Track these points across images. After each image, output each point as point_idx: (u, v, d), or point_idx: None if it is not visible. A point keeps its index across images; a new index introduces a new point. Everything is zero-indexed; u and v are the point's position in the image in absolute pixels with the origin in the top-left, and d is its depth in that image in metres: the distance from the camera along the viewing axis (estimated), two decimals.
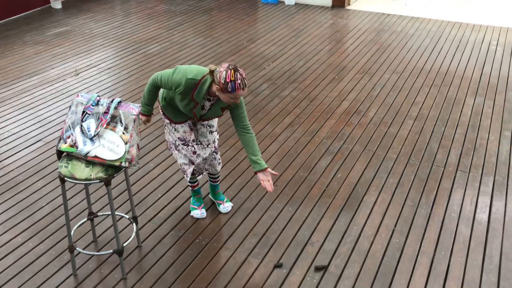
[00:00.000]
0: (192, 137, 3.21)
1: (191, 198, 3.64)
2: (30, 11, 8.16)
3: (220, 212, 3.61)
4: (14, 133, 4.65)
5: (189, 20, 7.88)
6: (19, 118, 4.91)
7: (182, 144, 3.23)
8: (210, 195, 3.73)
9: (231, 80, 2.72)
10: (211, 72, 2.85)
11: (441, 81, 5.76)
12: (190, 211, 3.61)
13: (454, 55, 6.54)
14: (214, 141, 3.31)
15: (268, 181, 2.97)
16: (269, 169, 2.98)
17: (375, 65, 6.23)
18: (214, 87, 2.85)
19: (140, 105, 2.96)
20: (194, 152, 3.25)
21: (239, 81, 2.73)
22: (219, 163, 3.44)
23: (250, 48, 6.73)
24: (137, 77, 5.83)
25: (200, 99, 2.92)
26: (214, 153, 3.36)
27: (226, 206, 3.63)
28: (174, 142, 3.27)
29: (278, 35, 7.25)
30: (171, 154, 3.59)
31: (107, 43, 6.89)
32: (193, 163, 3.30)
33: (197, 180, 3.53)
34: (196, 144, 3.23)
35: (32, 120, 4.88)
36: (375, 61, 6.33)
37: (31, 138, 4.58)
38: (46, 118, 4.92)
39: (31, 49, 6.64)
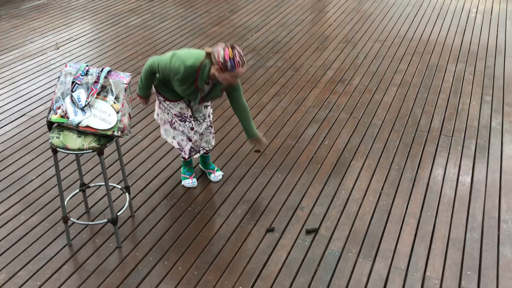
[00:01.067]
0: (189, 112, 3.20)
1: (182, 168, 3.65)
2: None
3: (211, 181, 3.65)
4: None
5: None
6: (0, 93, 4.83)
7: (180, 120, 3.22)
8: (200, 165, 3.75)
9: (230, 58, 2.73)
10: (208, 55, 2.85)
11: (423, 49, 5.83)
12: (181, 181, 3.64)
13: (435, 23, 6.60)
14: (209, 115, 3.33)
15: (260, 145, 3.25)
16: (262, 138, 3.21)
17: (358, 34, 6.26)
18: (213, 68, 2.85)
19: (138, 88, 3.03)
20: (192, 128, 3.24)
21: (238, 58, 2.74)
22: (213, 137, 3.46)
23: (232, 19, 6.68)
24: (119, 50, 5.76)
25: (202, 85, 2.96)
26: (209, 127, 3.36)
27: (216, 175, 3.66)
28: (170, 120, 3.26)
29: (260, 5, 7.20)
30: (160, 135, 3.53)
31: (86, 15, 6.76)
32: (190, 140, 3.29)
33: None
34: (194, 120, 3.23)
35: (14, 95, 4.81)
36: (357, 30, 6.36)
37: (15, 113, 4.51)
38: (28, 92, 4.84)
39: (7, 23, 6.47)
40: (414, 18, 6.76)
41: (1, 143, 4.09)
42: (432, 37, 6.14)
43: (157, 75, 3.12)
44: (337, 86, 5.00)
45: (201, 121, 3.28)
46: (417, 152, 3.99)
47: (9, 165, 3.82)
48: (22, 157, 3.91)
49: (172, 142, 3.40)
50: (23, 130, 4.26)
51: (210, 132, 3.39)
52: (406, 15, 6.87)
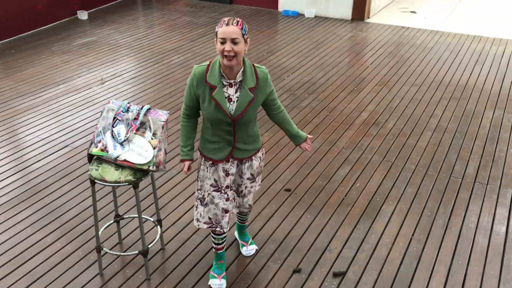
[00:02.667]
0: (227, 182, 2.86)
1: (213, 264, 3.19)
2: (58, 22, 8.44)
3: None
4: (43, 139, 4.83)
5: (210, 32, 8.05)
6: (47, 125, 5.10)
7: (215, 191, 2.87)
8: (235, 233, 3.49)
9: (219, 21, 2.54)
10: None
11: (460, 94, 5.80)
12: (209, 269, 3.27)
13: (473, 68, 6.57)
14: (239, 185, 2.96)
15: (308, 144, 2.98)
16: (308, 136, 2.97)
17: (394, 77, 6.30)
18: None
19: (181, 152, 2.84)
20: (228, 199, 2.90)
21: (225, 18, 2.50)
22: (247, 204, 3.06)
23: (270, 60, 6.87)
24: (160, 87, 6.00)
25: (216, 80, 2.60)
26: (240, 196, 3.01)
27: (249, 249, 3.36)
28: (202, 197, 2.91)
29: (298, 47, 7.38)
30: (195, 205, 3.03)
31: (131, 53, 7.09)
32: (227, 211, 2.91)
33: (224, 241, 3.09)
34: (230, 190, 2.91)
35: (59, 126, 5.06)
36: (394, 74, 6.41)
37: (59, 144, 4.75)
38: (72, 125, 5.09)
39: (58, 58, 6.87)
40: (452, 63, 6.76)
41: (45, 172, 4.30)
42: (470, 83, 6.11)
43: (189, 117, 2.85)
44: (371, 129, 5.02)
45: (234, 189, 2.95)
46: (450, 199, 3.93)
47: (50, 194, 4.00)
48: (62, 186, 4.09)
49: (199, 224, 2.98)
50: (65, 160, 4.47)
51: (242, 202, 3.04)
52: (444, 60, 6.88)
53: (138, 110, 2.90)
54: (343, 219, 3.71)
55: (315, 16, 8.91)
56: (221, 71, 2.62)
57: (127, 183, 2.80)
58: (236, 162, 2.85)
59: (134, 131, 2.87)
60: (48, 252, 3.37)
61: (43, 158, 4.51)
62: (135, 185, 2.84)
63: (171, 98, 5.69)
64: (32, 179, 4.19)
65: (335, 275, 3.19)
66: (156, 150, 2.83)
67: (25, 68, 6.52)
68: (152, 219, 3.47)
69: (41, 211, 3.78)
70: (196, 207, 2.97)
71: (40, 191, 4.03)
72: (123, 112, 2.92)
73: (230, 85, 2.65)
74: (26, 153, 4.59)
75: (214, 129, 2.73)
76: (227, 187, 2.87)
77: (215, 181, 2.86)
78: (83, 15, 8.62)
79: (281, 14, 9.06)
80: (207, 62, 2.67)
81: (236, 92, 2.65)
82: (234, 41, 2.48)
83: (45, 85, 6.03)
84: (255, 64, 2.69)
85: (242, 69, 2.63)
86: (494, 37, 7.82)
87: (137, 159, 2.82)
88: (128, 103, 2.94)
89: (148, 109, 2.91)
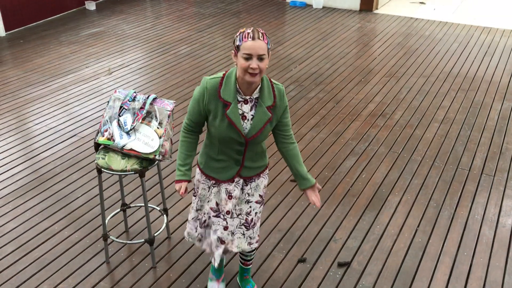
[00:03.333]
0: (228, 207, 2.54)
1: (211, 264, 2.97)
2: (66, 12, 8.46)
3: None
4: (51, 128, 4.86)
5: (218, 22, 8.04)
6: (55, 114, 5.13)
7: (214, 216, 2.57)
8: (237, 278, 3.04)
9: (240, 33, 2.24)
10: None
11: (468, 86, 5.76)
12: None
13: (482, 60, 6.52)
14: (248, 213, 2.59)
15: (316, 196, 2.56)
16: (316, 184, 2.58)
17: (402, 68, 6.26)
18: (238, 70, 2.31)
19: (177, 172, 2.50)
20: (226, 227, 2.57)
21: (248, 30, 2.22)
22: (249, 241, 2.65)
23: (277, 50, 6.85)
24: (167, 77, 6.01)
25: (231, 96, 2.32)
26: (243, 226, 2.61)
27: None
28: (198, 218, 2.66)
29: (305, 38, 7.35)
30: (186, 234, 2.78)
31: (138, 43, 7.10)
32: (223, 242, 2.59)
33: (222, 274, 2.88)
34: (231, 218, 2.57)
35: (68, 116, 5.10)
36: (402, 65, 6.37)
37: (67, 133, 4.78)
38: (80, 114, 5.13)
39: (66, 48, 6.89)
40: (461, 54, 6.71)
41: (53, 160, 4.34)
42: (479, 74, 6.06)
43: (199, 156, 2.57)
44: (378, 120, 5.01)
45: (235, 216, 2.59)
46: (457, 190, 3.92)
47: (58, 182, 4.03)
48: (70, 175, 4.13)
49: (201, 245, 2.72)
50: (73, 149, 4.51)
51: (243, 234, 2.62)
52: (453, 51, 6.82)
53: (144, 100, 2.91)
54: (349, 210, 3.71)
55: (323, 7, 8.85)
56: (238, 86, 2.34)
57: (133, 172, 2.82)
58: (241, 182, 2.52)
59: (140, 121, 2.88)
60: (55, 240, 3.41)
61: (52, 147, 4.55)
62: (141, 174, 2.86)
63: (178, 89, 5.70)
64: (40, 168, 4.23)
65: (340, 265, 3.20)
66: (162, 139, 2.85)
67: (34, 58, 6.55)
68: (158, 208, 3.50)
69: (49, 200, 3.82)
70: (188, 222, 2.68)
71: (48, 179, 4.07)
72: (129, 101, 2.93)
73: (245, 102, 2.37)
74: (35, 142, 4.63)
75: (222, 147, 2.44)
76: (227, 212, 2.54)
77: (217, 204, 2.55)
78: (91, 5, 8.63)
79: (289, 4, 9.01)
80: (220, 74, 2.37)
81: (251, 110, 2.37)
82: (260, 58, 2.22)
83: (54, 75, 6.06)
84: (272, 80, 2.41)
85: (259, 85, 2.36)
86: (503, 29, 7.74)
87: (143, 148, 2.84)
88: (135, 92, 2.96)
89: (154, 99, 2.92)
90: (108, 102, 2.96)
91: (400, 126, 4.90)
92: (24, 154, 4.44)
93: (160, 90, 5.65)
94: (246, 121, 2.38)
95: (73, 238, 3.43)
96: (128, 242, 3.20)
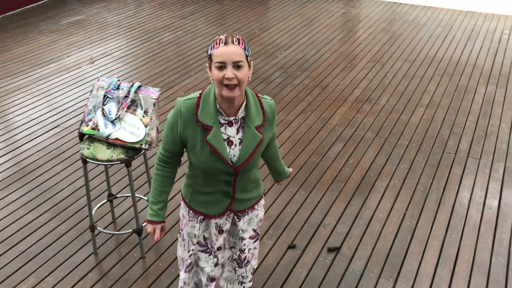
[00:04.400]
0: (220, 242, 2.22)
1: None
2: (45, 0, 8.27)
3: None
4: (33, 119, 4.76)
5: (201, 9, 7.94)
6: (37, 105, 5.02)
7: (202, 251, 2.23)
8: None
9: (212, 41, 1.90)
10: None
11: (453, 70, 5.79)
12: None
13: (466, 44, 6.55)
14: (242, 250, 2.26)
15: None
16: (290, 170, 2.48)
17: (387, 53, 6.26)
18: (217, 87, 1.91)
19: (148, 211, 2.13)
20: (216, 264, 2.25)
21: (221, 36, 1.87)
22: (243, 282, 2.34)
23: (262, 37, 6.79)
24: (151, 65, 5.92)
25: (211, 119, 1.93)
26: (235, 261, 2.30)
27: None
28: (185, 258, 2.25)
29: (290, 24, 7.30)
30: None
31: (121, 31, 6.98)
32: (213, 280, 2.26)
33: None
34: (221, 253, 2.26)
35: (50, 106, 5.00)
36: (387, 50, 6.37)
37: (49, 124, 4.69)
38: (63, 104, 5.03)
39: (46, 37, 6.74)
40: (445, 39, 6.73)
41: (36, 152, 4.25)
42: (463, 59, 6.09)
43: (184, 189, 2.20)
44: (364, 105, 5.00)
45: (227, 247, 2.28)
46: (444, 174, 3.95)
47: (42, 174, 3.96)
48: (54, 166, 4.05)
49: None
50: (56, 140, 4.42)
51: (234, 270, 2.31)
52: (437, 36, 6.84)
53: (129, 88, 2.85)
54: (337, 195, 3.71)
55: None
56: (218, 106, 1.95)
57: (119, 162, 2.77)
58: (232, 215, 2.19)
59: (125, 109, 2.83)
60: (41, 232, 3.35)
61: (34, 138, 4.46)
62: (127, 163, 2.81)
63: (162, 77, 5.63)
64: (23, 160, 4.14)
65: (330, 250, 3.21)
66: (148, 128, 2.80)
67: (13, 48, 6.40)
68: (145, 198, 3.46)
69: (33, 192, 3.75)
70: (179, 271, 2.32)
71: (31, 171, 3.99)
72: (113, 89, 2.87)
73: (229, 124, 1.97)
74: (16, 133, 4.53)
75: (208, 179, 2.06)
76: (218, 248, 2.22)
77: (205, 239, 2.21)
78: None
79: None
80: (196, 94, 1.98)
81: (237, 133, 1.99)
82: (237, 65, 1.84)
83: (34, 64, 5.93)
84: (259, 95, 2.05)
85: (244, 102, 1.98)
86: (486, 13, 7.78)
87: (129, 138, 2.78)
88: (118, 80, 2.90)
89: (139, 87, 2.86)
90: (91, 91, 2.90)
91: (386, 111, 4.90)
92: (6, 146, 4.34)
93: (144, 79, 5.57)
94: (233, 146, 1.99)
95: (59, 230, 3.37)
96: (116, 232, 3.16)
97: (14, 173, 3.97)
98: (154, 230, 2.15)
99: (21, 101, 5.10)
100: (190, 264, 2.26)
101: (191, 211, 2.18)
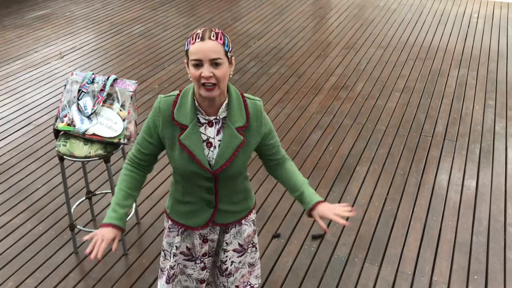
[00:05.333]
0: (205, 249, 2.06)
1: None
2: None
3: None
4: (3, 117, 4.60)
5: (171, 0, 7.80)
6: (6, 102, 4.86)
7: (187, 260, 2.08)
8: None
9: (190, 36, 1.74)
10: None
11: (425, 54, 5.85)
12: None
13: (436, 28, 6.63)
14: (223, 262, 2.09)
15: (330, 210, 1.85)
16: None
17: (360, 40, 6.28)
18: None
19: (108, 212, 1.84)
20: (204, 268, 2.10)
21: (198, 31, 1.72)
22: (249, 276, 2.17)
23: (235, 27, 6.72)
24: (122, 58, 5.79)
25: (187, 117, 1.79)
26: (217, 268, 2.16)
27: None
28: (170, 267, 2.08)
29: (262, 12, 7.25)
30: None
31: (89, 25, 6.80)
32: (203, 282, 2.14)
33: None
34: (208, 258, 2.09)
35: (20, 104, 4.83)
36: (359, 37, 6.39)
37: (21, 121, 4.54)
38: (34, 101, 4.87)
39: (11, 33, 6.52)
40: (416, 24, 6.79)
41: (8, 151, 4.11)
42: (434, 43, 6.17)
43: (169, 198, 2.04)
44: (340, 92, 5.01)
45: (212, 254, 2.13)
46: (422, 157, 3.99)
47: (15, 174, 3.83)
48: (28, 165, 3.93)
49: None
50: (29, 138, 4.28)
51: (217, 276, 2.17)
52: (408, 21, 6.90)
53: (104, 81, 2.77)
54: (318, 183, 3.71)
55: None
56: (196, 104, 1.80)
57: (97, 158, 2.70)
58: (217, 228, 2.03)
59: (101, 103, 2.75)
60: (18, 234, 3.25)
61: (5, 137, 4.31)
62: (106, 159, 2.74)
63: (135, 70, 5.51)
64: None
65: (314, 237, 3.21)
66: (126, 122, 2.73)
67: None
68: None
69: (7, 192, 3.63)
70: (160, 278, 2.15)
71: (4, 171, 3.86)
72: (88, 83, 2.78)
73: (210, 124, 1.82)
74: None
75: (187, 185, 1.91)
76: (204, 254, 2.06)
77: (188, 249, 2.05)
78: None
79: None
80: (177, 92, 1.85)
81: (218, 134, 1.83)
82: (214, 63, 1.69)
83: (0, 61, 5.72)
84: (245, 94, 1.87)
85: (226, 101, 1.82)
86: None
87: (106, 132, 2.71)
88: (93, 74, 2.81)
89: (115, 80, 2.78)
90: (65, 85, 2.80)
91: (362, 97, 4.92)
92: None
93: (116, 72, 5.44)
94: (212, 148, 1.82)
95: (37, 231, 3.27)
96: (96, 230, 3.07)
97: None
98: (113, 237, 1.79)
99: None
100: (173, 274, 2.08)
101: (171, 222, 2.03)
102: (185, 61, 1.77)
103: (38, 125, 4.47)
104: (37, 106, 4.79)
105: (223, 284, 2.15)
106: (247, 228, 2.06)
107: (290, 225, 3.32)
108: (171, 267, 2.07)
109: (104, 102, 2.76)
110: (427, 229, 3.27)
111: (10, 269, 2.98)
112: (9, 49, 6.04)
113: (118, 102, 2.76)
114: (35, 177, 3.79)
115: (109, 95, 2.77)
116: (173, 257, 2.04)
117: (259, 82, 5.23)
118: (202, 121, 1.81)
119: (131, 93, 2.76)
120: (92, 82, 2.79)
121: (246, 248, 2.09)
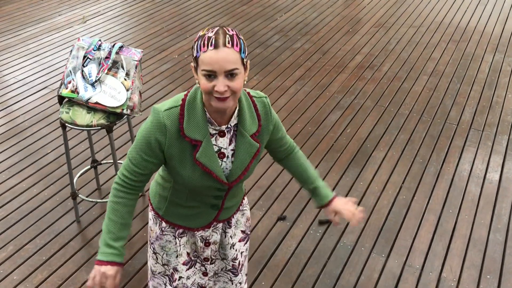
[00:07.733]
0: (207, 253, 1.90)
1: None
2: None
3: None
4: (20, 80, 4.59)
5: None
6: (25, 65, 4.84)
7: (188, 267, 1.89)
8: None
9: (198, 38, 1.49)
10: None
11: (460, 37, 5.54)
12: None
13: (475, 9, 6.26)
14: (234, 258, 1.96)
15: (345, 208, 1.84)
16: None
17: (392, 18, 6.00)
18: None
19: (100, 247, 1.62)
20: (205, 273, 1.95)
21: (209, 34, 1.46)
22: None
23: None
24: (145, 25, 5.69)
25: (201, 131, 1.58)
26: (229, 272, 1.99)
27: None
28: (166, 273, 1.88)
29: None
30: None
31: None
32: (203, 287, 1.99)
33: None
34: (210, 264, 1.94)
35: (38, 67, 4.81)
36: (392, 14, 6.10)
37: (37, 85, 4.52)
38: (52, 65, 4.84)
39: None
40: (453, 4, 6.43)
41: (22, 114, 4.10)
42: (471, 25, 5.83)
43: (153, 187, 1.84)
44: (365, 72, 4.80)
45: (219, 258, 1.97)
46: (444, 146, 3.79)
47: (26, 137, 3.82)
48: (39, 130, 3.91)
49: None
50: (44, 102, 4.26)
51: (231, 280, 2.00)
52: (445, 0, 6.54)
53: (110, 48, 2.67)
54: (332, 166, 3.57)
55: None
56: (206, 114, 1.60)
57: (99, 127, 2.62)
58: (220, 225, 1.87)
59: (106, 71, 2.65)
60: (23, 198, 3.24)
61: (21, 99, 4.30)
62: (108, 129, 2.66)
63: (156, 38, 5.41)
64: (8, 122, 4.00)
65: (321, 223, 3.09)
66: (129, 92, 2.63)
67: (2, 5, 6.16)
68: None
69: (17, 155, 3.62)
70: (153, 275, 1.92)
71: (16, 134, 3.86)
72: (94, 50, 2.69)
73: (221, 134, 1.64)
74: (2, 94, 4.37)
75: (193, 195, 1.73)
76: (205, 259, 1.91)
77: (188, 254, 1.87)
78: None
79: None
80: (178, 101, 1.59)
81: (230, 143, 1.66)
82: (230, 74, 1.46)
83: (24, 23, 5.71)
84: (250, 92, 1.68)
85: (237, 108, 1.63)
86: None
87: (109, 102, 2.62)
88: (100, 40, 2.71)
89: (121, 47, 2.68)
90: (71, 51, 2.72)
91: (387, 78, 4.70)
92: None
93: (137, 40, 5.35)
94: (225, 159, 1.66)
95: (42, 196, 3.26)
96: (98, 200, 3.04)
97: None
98: (116, 274, 1.61)
99: (8, 61, 4.91)
100: (174, 279, 1.89)
101: (165, 224, 1.81)
102: (192, 65, 1.53)
103: (54, 90, 4.44)
104: (54, 70, 4.75)
105: (239, 282, 2.01)
106: (245, 211, 1.97)
107: (297, 208, 3.21)
108: (175, 269, 1.89)
109: (109, 70, 2.67)
110: (441, 222, 3.10)
111: (11, 233, 2.98)
112: (34, 11, 6.02)
113: (123, 70, 2.66)
114: (45, 142, 3.77)
115: (114, 63, 2.67)
116: (176, 262, 1.86)
117: (281, 57, 5.06)
118: (213, 132, 1.62)
119: (136, 62, 2.66)
120: (99, 48, 2.70)
121: (248, 232, 2.00)
